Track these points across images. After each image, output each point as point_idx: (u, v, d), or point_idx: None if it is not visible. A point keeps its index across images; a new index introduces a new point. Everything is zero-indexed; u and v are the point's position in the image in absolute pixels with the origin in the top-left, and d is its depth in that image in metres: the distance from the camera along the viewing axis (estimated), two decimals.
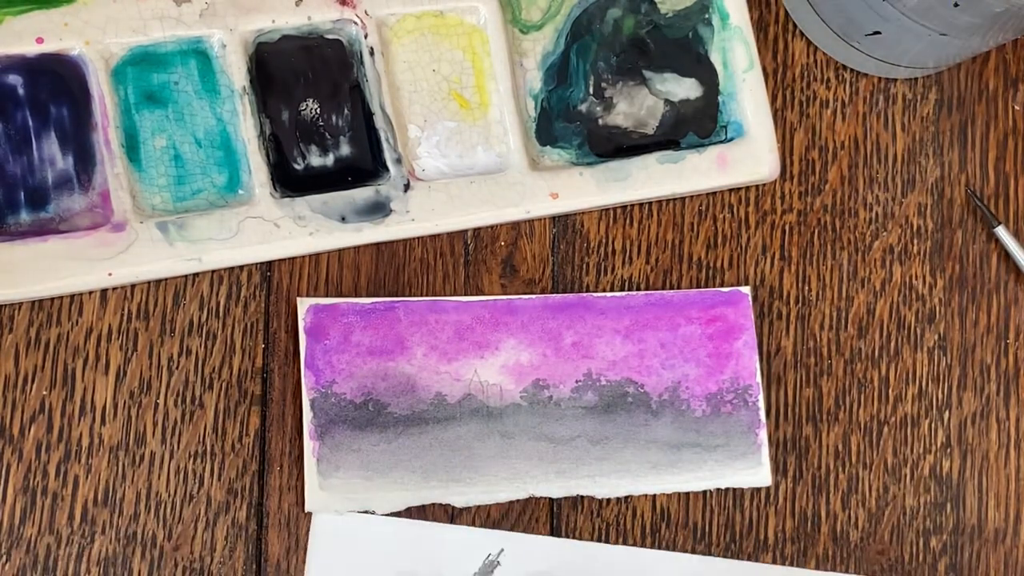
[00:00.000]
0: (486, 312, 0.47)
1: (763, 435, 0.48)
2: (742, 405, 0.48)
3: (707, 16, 0.50)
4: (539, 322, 0.47)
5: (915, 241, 0.51)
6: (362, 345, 0.45)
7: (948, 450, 0.50)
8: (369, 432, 0.45)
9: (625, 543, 0.47)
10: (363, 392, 0.45)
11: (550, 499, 0.47)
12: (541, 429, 0.46)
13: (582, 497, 0.47)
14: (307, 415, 0.45)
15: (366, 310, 0.46)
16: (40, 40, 0.44)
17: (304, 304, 0.45)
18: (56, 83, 0.45)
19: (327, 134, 0.47)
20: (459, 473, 0.46)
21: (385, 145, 0.47)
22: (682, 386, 0.48)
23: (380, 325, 0.46)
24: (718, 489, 0.48)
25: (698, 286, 0.49)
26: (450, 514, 0.46)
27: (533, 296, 0.47)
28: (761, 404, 0.48)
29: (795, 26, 0.51)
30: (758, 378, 0.48)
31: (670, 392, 0.47)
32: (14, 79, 0.44)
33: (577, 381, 0.47)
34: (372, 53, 0.47)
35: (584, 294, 0.48)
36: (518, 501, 0.47)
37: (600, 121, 0.49)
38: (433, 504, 0.46)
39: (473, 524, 0.46)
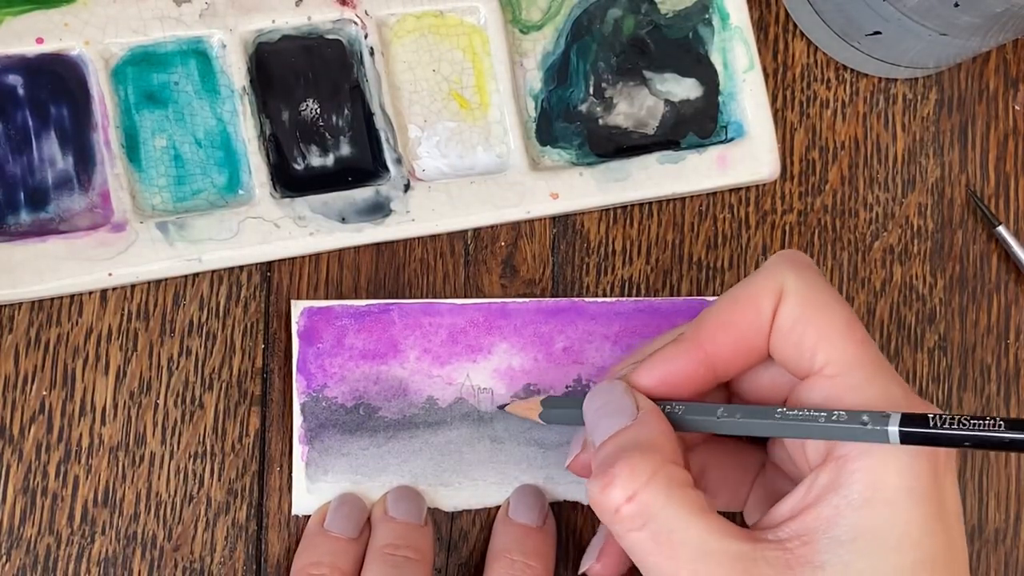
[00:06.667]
0: (480, 315, 0.47)
1: None
2: None
3: (707, 16, 0.50)
4: (532, 326, 0.47)
5: (915, 241, 0.51)
6: (355, 348, 0.45)
7: None
8: (359, 436, 0.45)
9: None
10: (354, 396, 0.45)
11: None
12: (531, 435, 0.46)
13: None
14: (297, 419, 0.45)
15: (360, 313, 0.46)
16: (40, 40, 0.44)
17: (298, 307, 0.45)
18: (56, 83, 0.44)
19: (327, 134, 0.47)
20: (448, 477, 0.46)
21: (385, 145, 0.47)
22: None
23: (374, 328, 0.46)
24: None
25: (698, 286, 0.49)
26: (449, 516, 0.46)
27: (527, 300, 0.47)
28: None
29: (795, 26, 0.51)
30: None
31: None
32: (14, 79, 0.44)
33: (567, 387, 0.47)
34: (372, 53, 0.47)
35: (576, 299, 0.47)
36: None
37: (600, 121, 0.49)
38: None
39: (472, 525, 0.46)
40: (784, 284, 0.39)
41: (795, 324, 0.39)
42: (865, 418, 0.36)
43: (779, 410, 0.38)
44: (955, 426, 0.34)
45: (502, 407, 0.46)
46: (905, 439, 0.35)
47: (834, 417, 0.36)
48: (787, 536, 0.37)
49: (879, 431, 0.35)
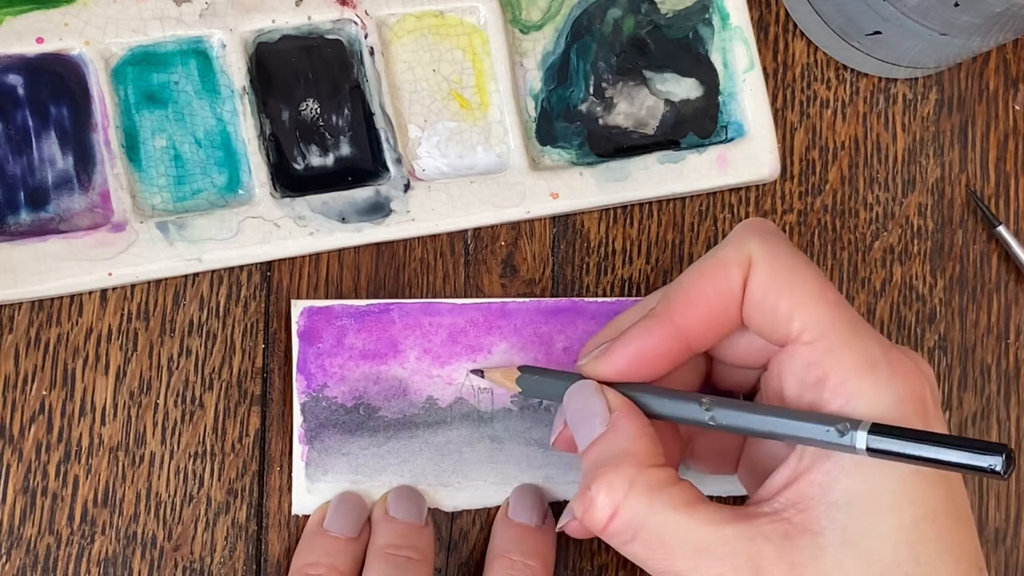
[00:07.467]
0: (480, 315, 0.47)
1: None
2: None
3: (707, 16, 0.50)
4: (532, 326, 0.47)
5: (915, 241, 0.51)
6: (355, 348, 0.45)
7: None
8: (359, 436, 0.45)
9: None
10: (354, 396, 0.45)
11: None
12: (531, 434, 0.46)
13: None
14: (297, 419, 0.45)
15: (360, 312, 0.46)
16: (40, 40, 0.44)
17: (298, 307, 0.45)
18: (56, 83, 0.44)
19: (327, 134, 0.47)
20: (448, 477, 0.46)
21: (385, 145, 0.47)
22: None
23: (374, 328, 0.46)
24: (719, 489, 0.48)
25: None
26: (449, 516, 0.46)
27: (527, 299, 0.47)
28: None
29: (795, 26, 0.51)
30: None
31: None
32: (14, 79, 0.44)
33: None
34: (372, 53, 0.47)
35: (576, 299, 0.47)
36: None
37: (600, 121, 0.49)
38: None
39: (472, 525, 0.46)
40: (751, 253, 0.39)
41: (766, 293, 0.39)
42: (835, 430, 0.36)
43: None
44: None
45: (475, 371, 0.45)
46: (872, 448, 0.35)
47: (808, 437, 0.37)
48: (783, 506, 0.37)
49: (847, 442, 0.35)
